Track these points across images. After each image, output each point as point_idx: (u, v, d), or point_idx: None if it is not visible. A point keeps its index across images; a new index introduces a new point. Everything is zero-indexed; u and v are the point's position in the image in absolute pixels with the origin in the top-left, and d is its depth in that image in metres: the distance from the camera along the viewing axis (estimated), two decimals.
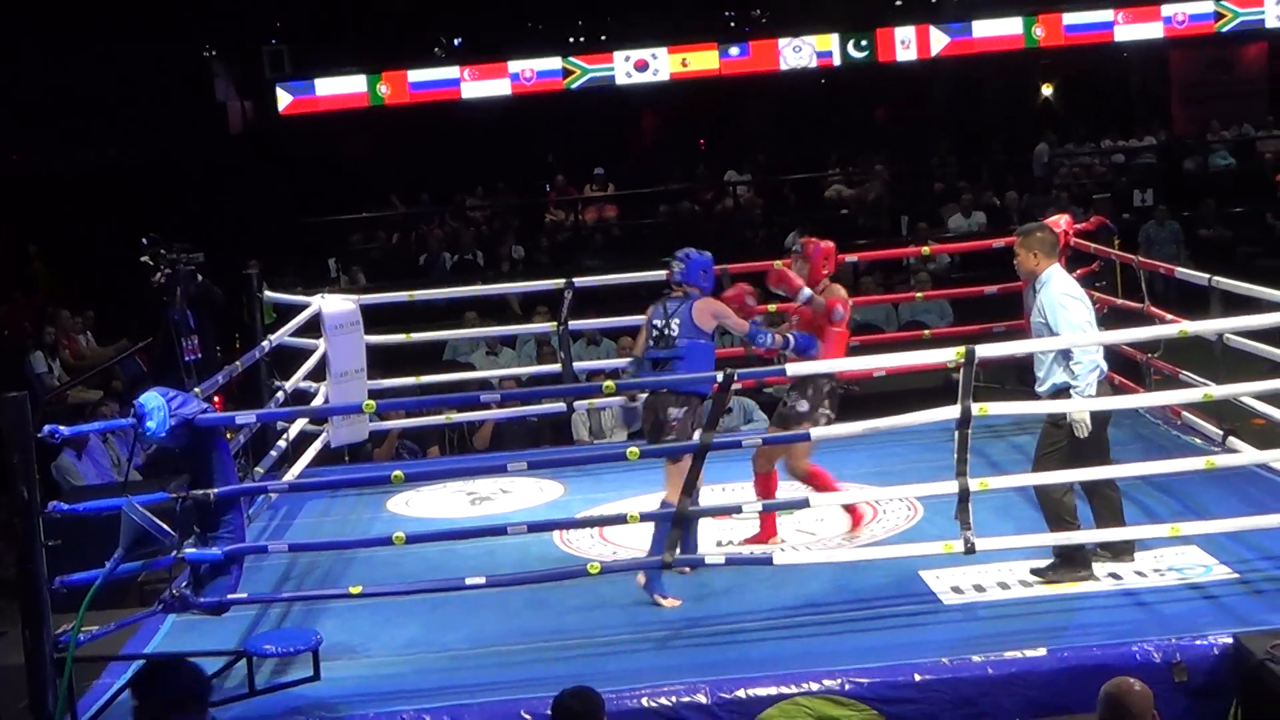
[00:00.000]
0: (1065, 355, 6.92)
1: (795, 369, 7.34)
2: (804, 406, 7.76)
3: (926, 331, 11.27)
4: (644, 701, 6.09)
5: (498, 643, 6.84)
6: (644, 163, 24.05)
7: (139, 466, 9.32)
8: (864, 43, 22.95)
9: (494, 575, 6.97)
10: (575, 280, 10.38)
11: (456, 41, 24.78)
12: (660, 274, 8.02)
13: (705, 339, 7.47)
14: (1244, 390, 7.57)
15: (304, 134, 22.49)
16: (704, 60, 22.60)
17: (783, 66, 22.71)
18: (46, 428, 6.26)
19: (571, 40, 24.63)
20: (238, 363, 8.85)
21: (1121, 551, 7.14)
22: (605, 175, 22.09)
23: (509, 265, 19.81)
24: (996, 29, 23.12)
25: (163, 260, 8.22)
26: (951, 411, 6.69)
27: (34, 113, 18.01)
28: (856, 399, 8.38)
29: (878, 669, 6.18)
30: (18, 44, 17.81)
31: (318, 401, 9.84)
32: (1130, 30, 23.13)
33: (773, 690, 6.11)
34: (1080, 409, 6.83)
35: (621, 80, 22.69)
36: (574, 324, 10.51)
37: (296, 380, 9.79)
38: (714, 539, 7.95)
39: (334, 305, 9.85)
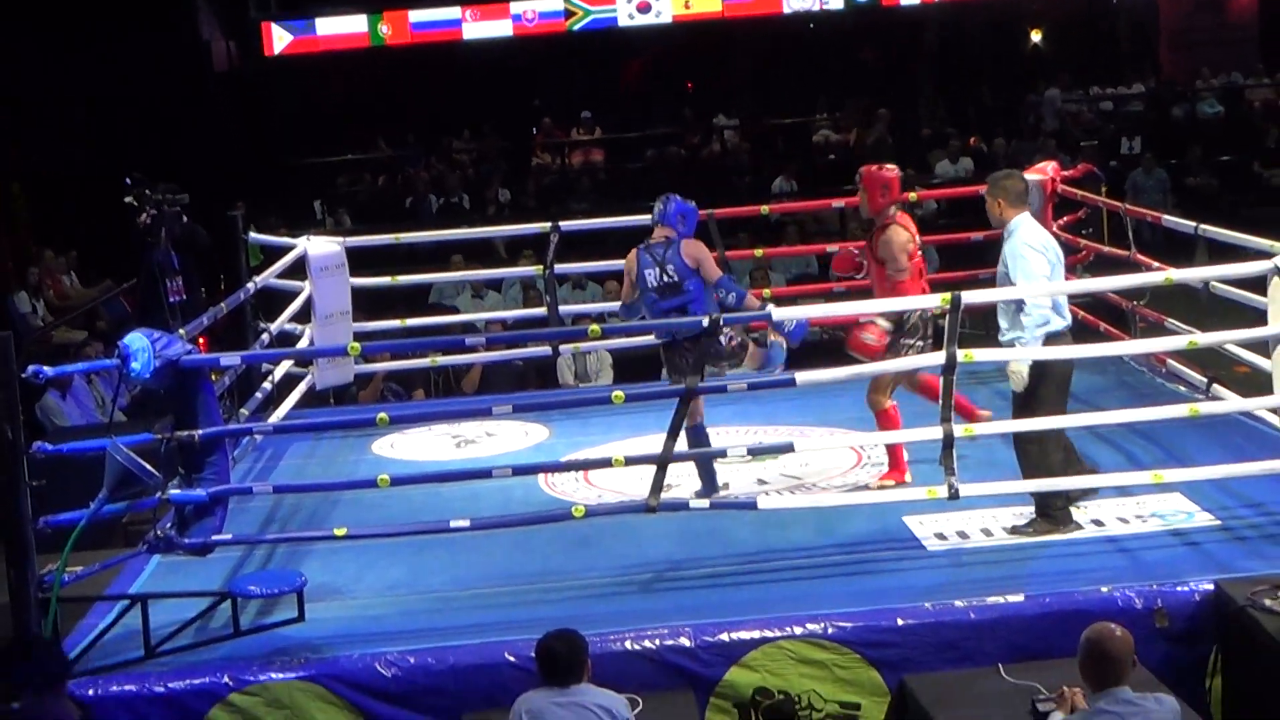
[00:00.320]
0: (1019, 306, 6.90)
1: (781, 312, 7.32)
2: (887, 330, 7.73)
3: None
4: (628, 644, 6.11)
5: (482, 585, 6.85)
6: (631, 107, 23.88)
7: (123, 407, 9.34)
8: None
9: (479, 518, 6.98)
10: (561, 224, 10.35)
11: None
12: (646, 218, 8.01)
13: (698, 278, 7.56)
14: (1229, 338, 7.58)
15: (291, 74, 22.29)
16: (707, 1, 22.37)
17: (786, 10, 22.47)
18: (31, 368, 6.26)
19: None
20: (223, 304, 8.83)
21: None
22: (592, 119, 21.96)
23: (495, 209, 19.70)
24: None
25: (148, 201, 8.19)
26: (937, 358, 6.71)
27: (6, 39, 17.77)
28: (840, 344, 8.37)
29: (861, 613, 6.21)
30: None
31: (303, 344, 9.82)
32: None
33: (755, 634, 6.14)
34: (1062, 356, 6.83)
35: (624, 22, 22.40)
36: (560, 268, 10.50)
37: (281, 322, 9.76)
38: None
39: (319, 247, 9.83)
